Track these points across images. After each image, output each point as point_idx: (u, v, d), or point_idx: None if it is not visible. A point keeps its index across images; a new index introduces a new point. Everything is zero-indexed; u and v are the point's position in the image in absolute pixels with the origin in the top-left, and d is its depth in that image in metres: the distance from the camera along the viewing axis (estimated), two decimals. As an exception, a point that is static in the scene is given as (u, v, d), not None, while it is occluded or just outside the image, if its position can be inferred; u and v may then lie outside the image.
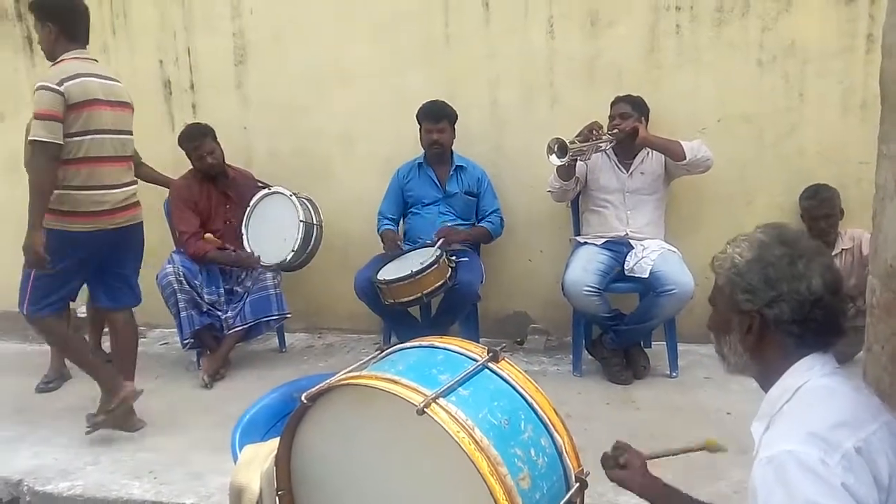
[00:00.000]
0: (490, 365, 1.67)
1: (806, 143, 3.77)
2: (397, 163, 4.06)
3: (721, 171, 3.69)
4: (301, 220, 3.90)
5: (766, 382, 1.39)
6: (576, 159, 3.47)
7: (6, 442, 3.14)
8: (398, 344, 1.82)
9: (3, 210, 4.49)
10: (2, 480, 2.84)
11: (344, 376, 1.61)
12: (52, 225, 2.95)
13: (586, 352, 3.74)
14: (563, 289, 3.52)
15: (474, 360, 1.67)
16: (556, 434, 1.61)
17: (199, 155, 3.91)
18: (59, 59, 3.03)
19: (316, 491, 1.72)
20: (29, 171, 2.90)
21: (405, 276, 3.43)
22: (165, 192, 4.18)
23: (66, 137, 2.92)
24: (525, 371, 1.72)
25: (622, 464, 1.66)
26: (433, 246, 3.59)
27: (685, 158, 3.48)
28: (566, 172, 3.51)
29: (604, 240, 3.65)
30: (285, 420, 1.71)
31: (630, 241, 3.61)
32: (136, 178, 3.30)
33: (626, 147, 3.62)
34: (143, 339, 4.56)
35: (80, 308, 4.29)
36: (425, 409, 1.44)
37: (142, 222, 3.32)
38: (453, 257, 3.61)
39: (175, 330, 3.93)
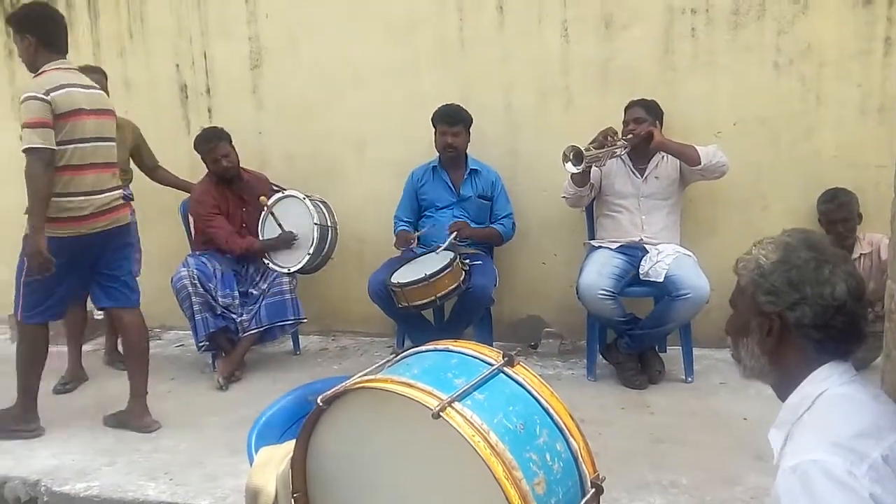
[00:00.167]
0: (505, 369, 1.67)
1: (823, 146, 3.74)
2: (411, 166, 4.06)
3: (737, 175, 3.67)
4: (316, 224, 3.91)
5: (784, 389, 1.38)
6: (591, 166, 3.47)
7: (24, 442, 3.17)
8: (412, 347, 1.82)
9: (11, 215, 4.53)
10: (20, 480, 2.86)
11: (359, 379, 1.61)
12: None
13: (601, 356, 3.72)
14: (577, 292, 3.51)
15: (489, 364, 1.67)
16: (571, 439, 1.60)
17: (214, 158, 3.94)
18: (41, 70, 3.07)
19: (331, 493, 1.72)
20: (27, 178, 2.95)
21: (419, 280, 3.44)
22: (181, 195, 4.21)
23: None
24: (539, 375, 1.72)
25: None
26: (446, 241, 3.62)
27: (700, 163, 3.46)
28: (581, 179, 3.51)
29: (618, 244, 3.63)
30: (301, 422, 1.71)
31: (645, 245, 3.59)
32: (120, 184, 3.33)
33: (641, 151, 3.60)
34: (158, 341, 4.62)
35: (97, 311, 4.31)
36: (441, 413, 1.44)
37: (129, 224, 3.36)
38: (467, 260, 3.61)
39: (190, 332, 3.96)
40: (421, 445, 1.56)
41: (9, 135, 4.27)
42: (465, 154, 3.96)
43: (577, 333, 4.03)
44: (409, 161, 4.09)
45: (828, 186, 3.63)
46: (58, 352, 4.09)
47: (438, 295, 3.46)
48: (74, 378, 3.89)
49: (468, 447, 1.42)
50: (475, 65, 4.11)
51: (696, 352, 3.60)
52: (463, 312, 3.73)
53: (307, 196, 3.99)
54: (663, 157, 3.64)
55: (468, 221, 3.90)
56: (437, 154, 3.95)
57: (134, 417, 3.28)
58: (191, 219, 4.15)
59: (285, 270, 3.94)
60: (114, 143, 3.27)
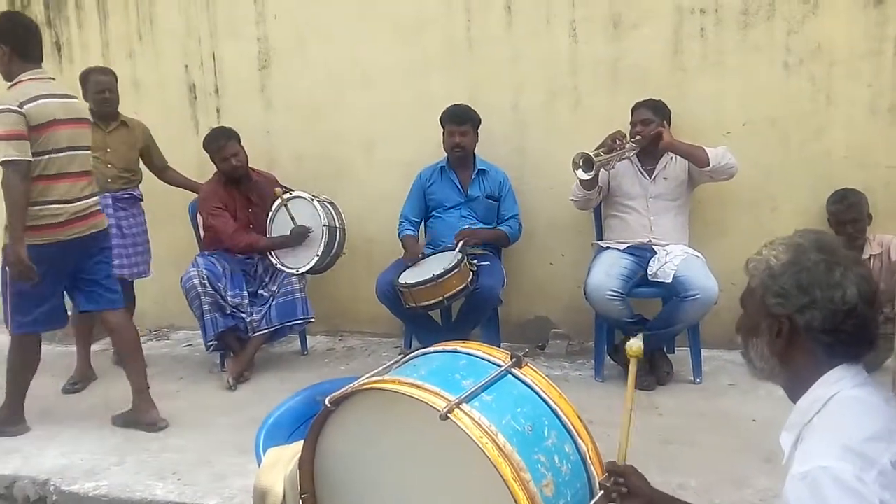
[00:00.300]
0: (513, 370, 1.67)
1: (833, 146, 3.72)
2: (419, 166, 4.06)
3: (746, 176, 3.65)
4: (325, 225, 3.92)
5: (794, 392, 1.37)
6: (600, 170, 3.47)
7: (33, 442, 3.20)
8: (420, 348, 1.82)
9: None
10: (29, 480, 2.88)
11: (367, 380, 1.61)
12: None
13: (608, 357, 3.72)
14: (585, 293, 3.50)
15: (497, 365, 1.67)
16: (580, 441, 1.60)
17: (223, 156, 3.94)
18: (16, 81, 3.09)
19: (339, 494, 1.73)
20: (3, 189, 2.99)
21: (427, 280, 3.44)
22: (189, 195, 4.22)
23: None
24: (546, 376, 1.71)
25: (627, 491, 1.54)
26: (454, 249, 3.60)
27: (709, 164, 3.45)
28: (589, 182, 3.50)
29: (626, 245, 3.62)
30: (309, 423, 1.72)
31: (653, 246, 3.58)
32: (96, 191, 3.36)
33: (650, 152, 3.60)
34: (167, 341, 4.65)
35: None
36: (448, 415, 1.44)
37: (106, 229, 3.38)
38: (475, 261, 3.61)
39: (198, 332, 3.97)
40: (429, 447, 1.56)
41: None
42: (474, 154, 3.95)
43: (584, 334, 4.03)
44: (418, 161, 4.09)
45: (838, 187, 3.61)
46: (66, 351, 4.13)
47: (446, 295, 3.47)
48: (83, 378, 3.91)
49: (476, 449, 1.41)
50: (483, 65, 4.11)
51: (704, 353, 3.59)
52: (470, 313, 3.73)
53: (315, 197, 4.00)
54: (672, 157, 3.62)
55: (476, 222, 3.90)
56: (446, 154, 3.95)
57: (141, 413, 3.30)
58: (199, 219, 4.16)
59: (294, 271, 3.95)
60: (89, 152, 3.30)
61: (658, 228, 3.61)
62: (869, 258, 3.50)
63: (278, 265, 4.00)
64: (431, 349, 1.79)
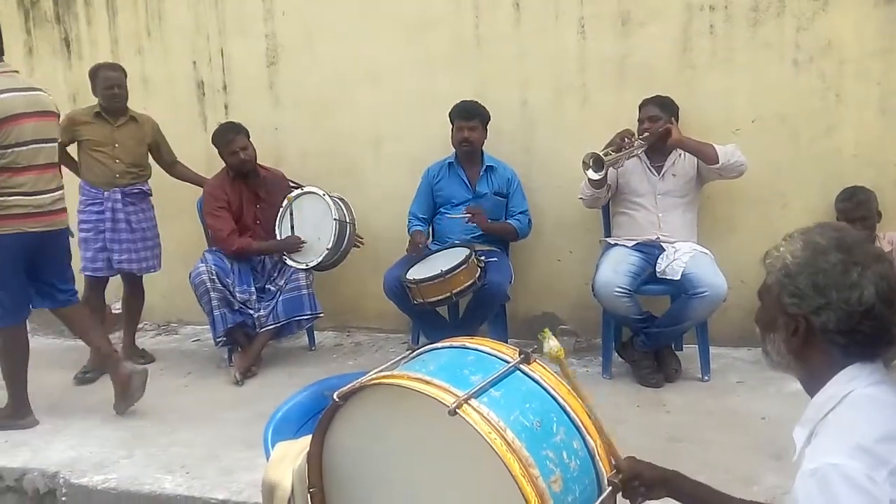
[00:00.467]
0: (522, 366, 1.67)
1: (843, 144, 3.70)
2: (426, 163, 4.07)
3: (755, 173, 3.63)
4: (335, 219, 3.93)
5: (811, 387, 1.36)
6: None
7: (42, 435, 3.22)
8: (427, 344, 1.82)
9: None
10: (39, 472, 2.90)
11: (375, 375, 1.62)
12: None
13: (616, 354, 3.71)
14: (593, 290, 3.50)
15: (506, 361, 1.66)
16: (588, 437, 1.60)
17: (231, 150, 3.95)
18: None
19: (347, 489, 1.73)
20: None
21: (434, 276, 3.44)
22: (198, 191, 4.24)
23: None
24: (554, 373, 1.71)
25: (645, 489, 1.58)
26: (461, 245, 3.62)
27: (718, 162, 3.44)
28: (598, 182, 3.49)
29: (635, 242, 3.62)
30: (316, 418, 1.72)
31: (662, 243, 3.58)
32: (61, 185, 3.37)
33: (658, 149, 3.59)
34: (175, 336, 4.67)
35: (115, 305, 4.36)
36: (457, 410, 1.43)
37: (65, 229, 3.39)
38: (482, 257, 3.61)
39: (207, 327, 3.99)
40: (437, 442, 1.56)
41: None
42: (482, 151, 3.95)
43: (592, 331, 4.02)
44: (425, 158, 4.09)
45: (847, 185, 3.59)
46: (74, 345, 4.15)
47: (454, 291, 3.47)
48: (96, 367, 3.94)
49: (484, 444, 1.41)
50: (491, 62, 4.10)
51: (713, 350, 3.58)
52: (478, 309, 3.73)
53: (326, 193, 4.01)
54: (680, 154, 3.61)
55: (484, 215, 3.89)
56: (454, 150, 3.95)
57: (119, 377, 3.32)
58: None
59: (303, 266, 3.97)
60: (55, 144, 3.32)
61: (666, 225, 3.60)
62: (878, 256, 3.48)
63: (287, 260, 4.02)
64: (439, 345, 1.79)
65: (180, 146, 4.33)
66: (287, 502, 1.81)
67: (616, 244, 3.67)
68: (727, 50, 3.77)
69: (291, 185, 4.17)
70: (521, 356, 1.68)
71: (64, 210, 3.37)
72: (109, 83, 3.95)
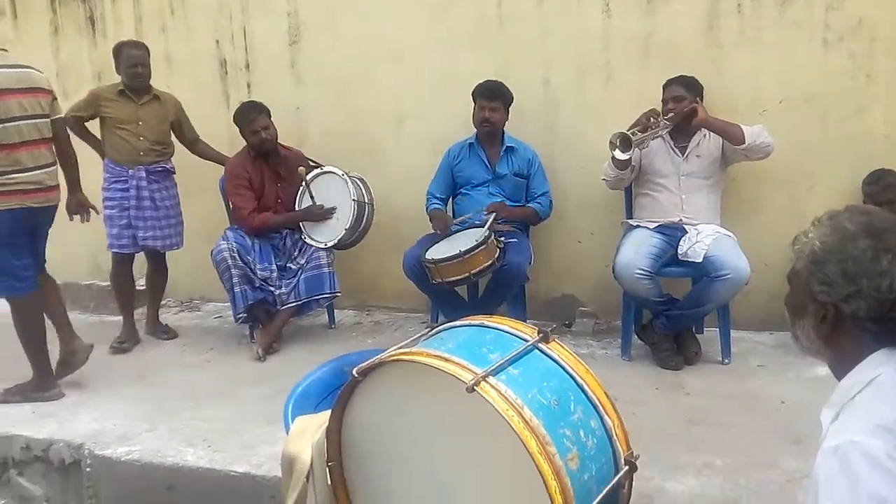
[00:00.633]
0: (540, 345, 1.67)
1: (873, 125, 3.62)
2: (448, 142, 4.05)
3: (782, 154, 3.57)
4: (354, 199, 3.94)
5: (839, 371, 1.34)
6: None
7: (69, 407, 3.28)
8: (446, 323, 1.83)
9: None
10: (65, 443, 2.96)
11: (394, 352, 1.63)
12: None
13: (636, 336, 3.69)
14: (613, 272, 3.48)
15: (524, 340, 1.67)
16: (605, 416, 1.60)
17: (253, 130, 3.96)
18: None
19: (365, 463, 1.75)
20: None
21: (454, 256, 3.44)
22: (221, 169, 4.26)
23: None
24: (573, 352, 1.71)
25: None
26: (483, 223, 3.60)
27: (745, 142, 3.38)
28: (623, 163, 3.46)
29: (657, 224, 3.58)
30: (336, 393, 1.74)
31: (684, 225, 3.54)
32: (55, 160, 3.40)
33: (682, 129, 3.54)
34: (197, 312, 4.73)
35: (140, 281, 4.42)
36: (475, 387, 1.45)
37: (56, 205, 3.43)
38: (502, 238, 3.60)
39: (228, 304, 4.03)
40: (455, 419, 1.57)
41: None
42: (503, 132, 3.92)
43: (611, 313, 4.00)
44: (447, 138, 4.07)
45: (878, 166, 3.52)
46: (99, 321, 4.23)
47: (473, 271, 3.46)
48: (130, 338, 4.02)
49: (502, 421, 1.42)
50: (514, 41, 4.06)
51: (734, 334, 3.54)
52: (497, 289, 3.72)
53: (346, 172, 4.01)
54: (705, 135, 3.56)
55: (503, 199, 3.88)
56: (475, 130, 3.93)
57: (68, 347, 3.44)
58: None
59: (322, 245, 3.99)
60: (46, 120, 3.34)
61: (689, 207, 3.56)
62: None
63: (306, 238, 4.04)
64: (458, 323, 1.79)
65: (203, 125, 4.35)
66: (306, 475, 1.83)
67: (638, 226, 3.64)
68: (755, 29, 3.70)
69: (312, 163, 4.17)
70: (540, 335, 1.69)
71: (57, 186, 3.43)
72: (133, 61, 3.98)
